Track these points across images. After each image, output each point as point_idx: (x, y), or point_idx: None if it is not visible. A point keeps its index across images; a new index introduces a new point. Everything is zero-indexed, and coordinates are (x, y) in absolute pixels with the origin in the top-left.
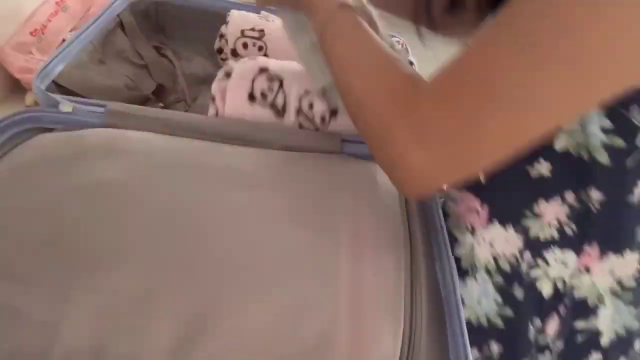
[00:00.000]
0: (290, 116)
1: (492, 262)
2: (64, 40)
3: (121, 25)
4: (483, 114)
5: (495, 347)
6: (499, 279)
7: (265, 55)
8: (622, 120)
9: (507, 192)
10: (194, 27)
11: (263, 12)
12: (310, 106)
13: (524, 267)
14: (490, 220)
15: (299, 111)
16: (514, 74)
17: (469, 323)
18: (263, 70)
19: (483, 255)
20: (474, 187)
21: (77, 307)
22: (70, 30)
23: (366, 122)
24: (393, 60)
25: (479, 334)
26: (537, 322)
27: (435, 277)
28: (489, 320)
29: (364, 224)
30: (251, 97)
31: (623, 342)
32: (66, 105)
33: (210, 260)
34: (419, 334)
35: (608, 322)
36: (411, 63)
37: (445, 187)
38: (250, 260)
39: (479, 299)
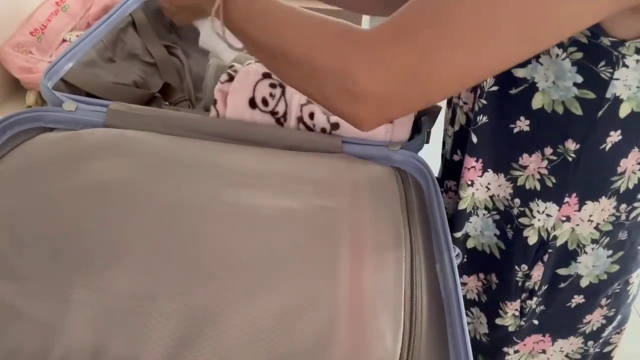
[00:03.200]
0: (291, 124)
1: (490, 200)
2: (64, 40)
3: (133, 23)
4: (442, 48)
5: (494, 278)
6: (496, 215)
7: None
8: (592, 75)
9: (495, 147)
10: None
11: None
12: (311, 116)
13: (514, 211)
14: (484, 170)
15: (299, 120)
16: (472, 9)
17: (474, 250)
18: (266, 75)
19: (482, 196)
20: (469, 149)
21: (77, 307)
22: (71, 30)
23: (316, 69)
24: (325, 16)
25: (483, 261)
26: (524, 267)
27: (435, 277)
28: (490, 250)
29: (364, 224)
30: (252, 103)
31: (604, 284)
32: (70, 104)
33: (210, 260)
34: (419, 334)
35: (589, 267)
36: None
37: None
38: (250, 260)
39: (482, 230)
